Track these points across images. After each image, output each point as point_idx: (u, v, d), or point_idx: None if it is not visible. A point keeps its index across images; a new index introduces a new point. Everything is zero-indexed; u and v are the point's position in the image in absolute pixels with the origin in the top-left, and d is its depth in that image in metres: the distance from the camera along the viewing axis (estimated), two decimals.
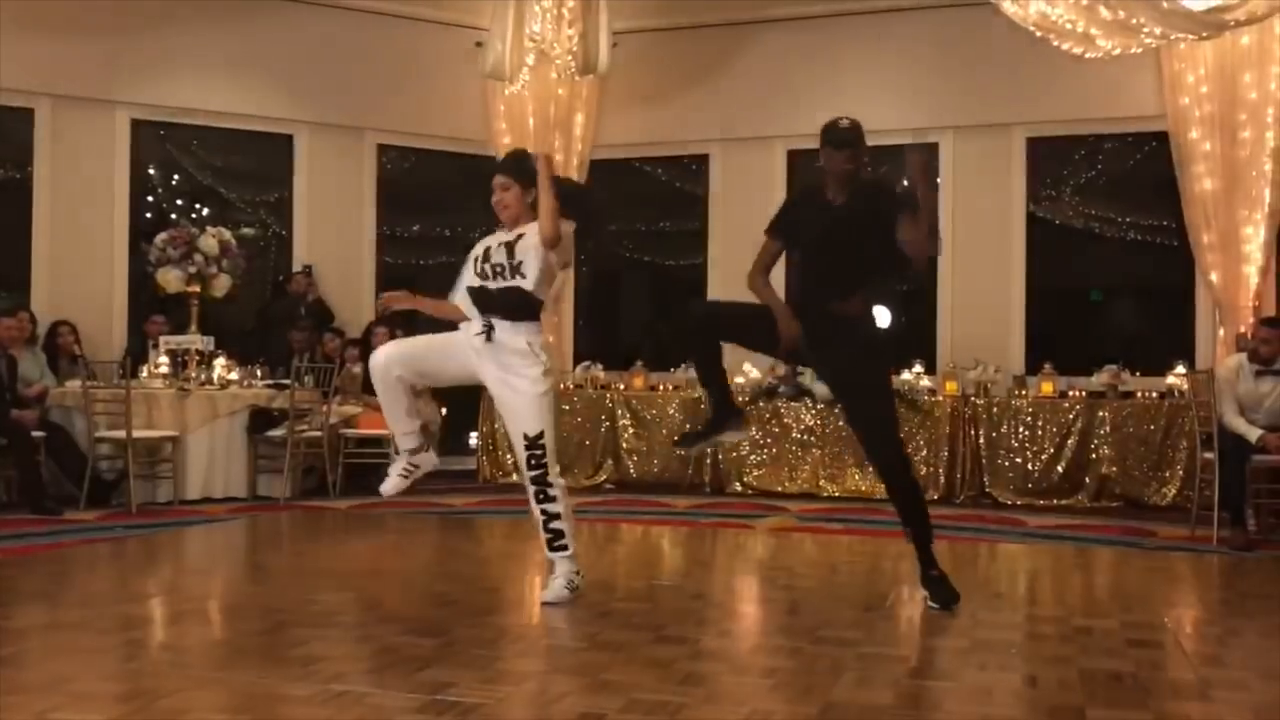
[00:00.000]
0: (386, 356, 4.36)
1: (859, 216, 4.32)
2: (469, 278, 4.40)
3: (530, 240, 4.30)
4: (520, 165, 4.48)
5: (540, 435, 4.28)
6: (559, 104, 9.76)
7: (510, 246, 4.33)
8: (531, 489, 4.33)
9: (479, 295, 4.36)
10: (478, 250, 4.42)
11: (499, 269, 4.31)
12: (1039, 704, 3.14)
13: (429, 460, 4.60)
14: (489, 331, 4.31)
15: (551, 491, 4.32)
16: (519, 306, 4.32)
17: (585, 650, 3.69)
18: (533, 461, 4.29)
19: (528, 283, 4.29)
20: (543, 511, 4.34)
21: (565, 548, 4.37)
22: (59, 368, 8.09)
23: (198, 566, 5.71)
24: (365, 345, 8.70)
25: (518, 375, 4.31)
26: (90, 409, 7.27)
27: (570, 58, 8.98)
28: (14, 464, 7.15)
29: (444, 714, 2.95)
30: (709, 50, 9.79)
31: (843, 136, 4.31)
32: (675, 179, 10.25)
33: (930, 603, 4.35)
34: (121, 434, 7.24)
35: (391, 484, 4.56)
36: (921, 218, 4.22)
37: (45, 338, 8.22)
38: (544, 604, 4.35)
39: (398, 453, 4.61)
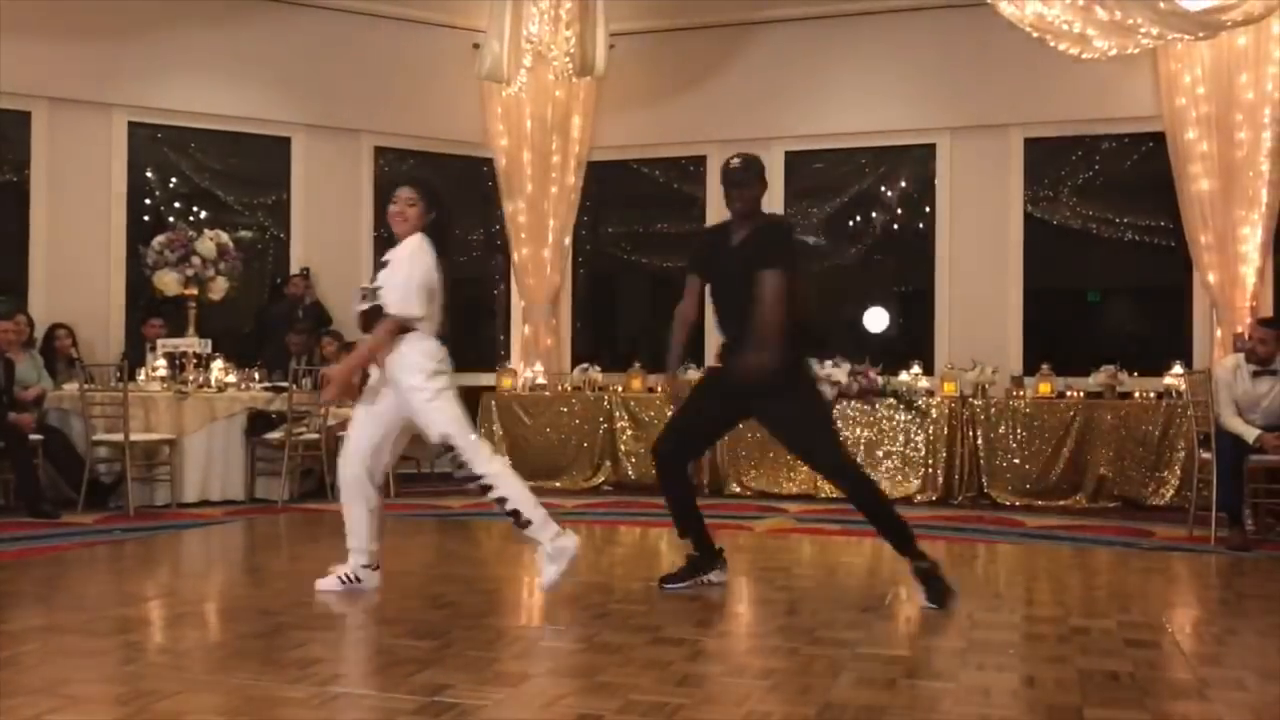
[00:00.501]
0: (352, 469, 4.56)
1: (751, 256, 4.45)
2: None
3: (391, 268, 4.46)
4: (430, 185, 4.66)
5: (447, 438, 4.42)
6: (556, 105, 9.77)
7: (377, 271, 4.56)
8: (473, 485, 4.48)
9: (360, 320, 4.57)
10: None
11: (366, 293, 4.50)
12: (1037, 704, 3.14)
13: (373, 580, 4.63)
14: None
15: (487, 480, 4.44)
16: None
17: (583, 652, 3.69)
18: (455, 462, 4.46)
19: (390, 306, 4.41)
20: (494, 500, 4.46)
21: (529, 523, 4.45)
22: (56, 371, 8.08)
23: (195, 569, 5.71)
24: None
25: (407, 388, 4.44)
26: (88, 412, 7.26)
27: (568, 59, 8.98)
28: (11, 467, 7.14)
29: (441, 716, 2.94)
30: (706, 52, 9.79)
31: (730, 177, 4.56)
32: (673, 180, 10.25)
33: (927, 602, 4.35)
34: (119, 437, 7.24)
35: (327, 582, 4.59)
36: (772, 309, 4.34)
37: (43, 340, 8.21)
38: (542, 588, 4.44)
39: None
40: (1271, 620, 4.38)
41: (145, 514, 7.20)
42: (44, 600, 4.52)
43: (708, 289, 4.71)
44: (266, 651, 3.66)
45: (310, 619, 4.13)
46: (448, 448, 4.42)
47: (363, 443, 4.57)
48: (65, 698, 3.08)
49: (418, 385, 4.41)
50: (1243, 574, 5.47)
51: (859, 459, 8.13)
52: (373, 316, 4.46)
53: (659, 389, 4.48)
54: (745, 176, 4.54)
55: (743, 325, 4.46)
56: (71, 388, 7.59)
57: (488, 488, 4.43)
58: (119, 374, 7.40)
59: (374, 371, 4.55)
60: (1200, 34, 7.63)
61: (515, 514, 4.43)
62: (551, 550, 4.43)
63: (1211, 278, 8.30)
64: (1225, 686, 3.35)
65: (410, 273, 4.40)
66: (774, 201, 9.67)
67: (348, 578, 4.57)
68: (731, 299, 4.54)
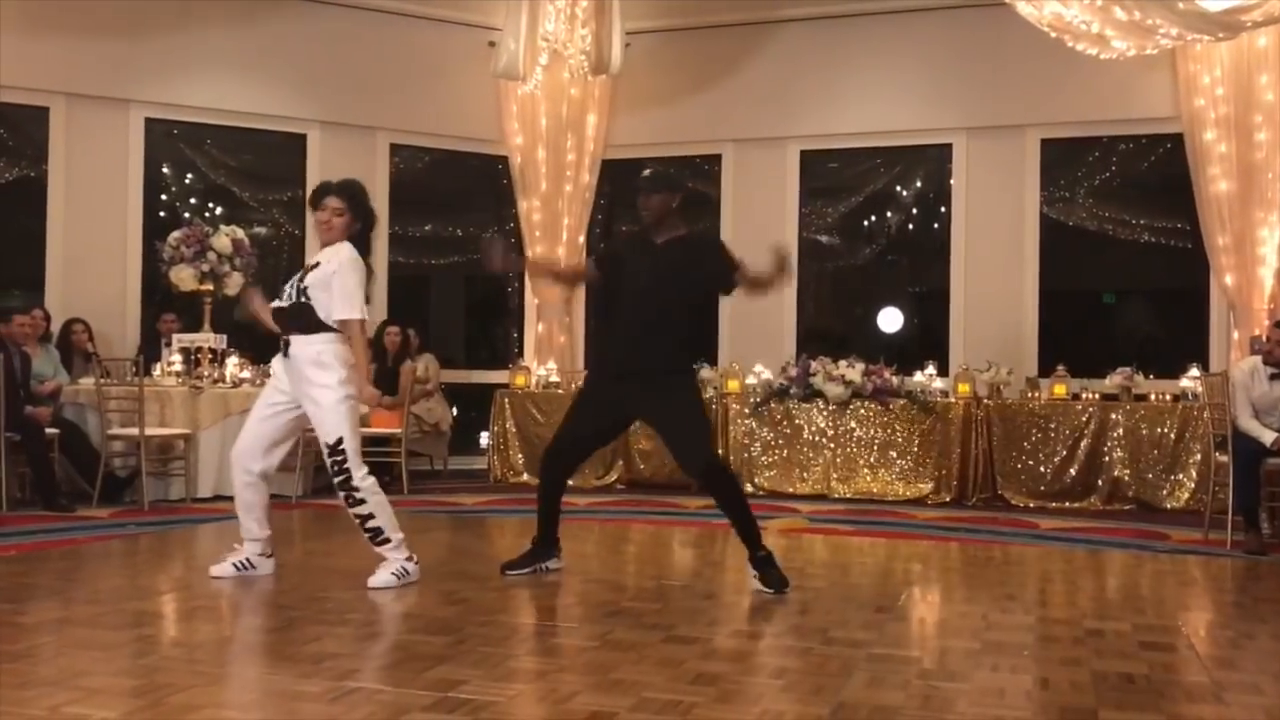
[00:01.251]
0: (235, 457, 4.72)
1: (675, 262, 4.75)
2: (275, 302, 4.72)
3: (324, 271, 4.57)
4: (358, 196, 4.73)
5: (340, 442, 4.50)
6: (571, 104, 9.77)
7: (306, 273, 4.65)
8: (340, 494, 4.56)
9: (276, 315, 4.68)
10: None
11: (292, 292, 4.60)
12: (1051, 705, 3.13)
13: (267, 567, 4.83)
14: (285, 347, 4.61)
15: (359, 494, 4.53)
16: (310, 320, 4.56)
17: (596, 649, 3.68)
18: (335, 468, 4.53)
19: (347, 312, 4.54)
20: (355, 515, 4.56)
21: (388, 541, 4.59)
22: (73, 365, 8.12)
23: (210, 564, 5.71)
24: (378, 344, 8.72)
25: (313, 385, 4.53)
26: (103, 406, 7.30)
27: (583, 58, 8.99)
28: (28, 461, 7.17)
29: (455, 711, 2.95)
30: (722, 50, 9.78)
31: (639, 184, 4.89)
32: (688, 179, 10.17)
33: (761, 586, 4.64)
34: (134, 431, 7.27)
35: (220, 568, 4.78)
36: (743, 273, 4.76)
37: (59, 335, 8.25)
38: (371, 589, 4.53)
39: (241, 544, 4.82)
40: None
41: (160, 508, 7.23)
42: (60, 594, 4.54)
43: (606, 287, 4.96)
44: (281, 646, 3.67)
45: (324, 614, 4.14)
46: (333, 453, 4.50)
47: (259, 442, 4.68)
48: (82, 690, 3.09)
49: (330, 384, 4.51)
50: (1259, 578, 5.44)
51: (872, 460, 8.15)
52: (294, 315, 4.58)
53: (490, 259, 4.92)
54: (651, 183, 4.86)
55: (646, 326, 4.70)
56: (87, 382, 7.62)
57: (360, 501, 4.53)
58: (134, 369, 7.43)
59: (275, 366, 4.74)
60: (1220, 35, 7.59)
61: (377, 530, 4.58)
62: (398, 570, 4.60)
63: (1229, 280, 8.26)
64: (1241, 690, 3.33)
65: (352, 280, 4.54)
66: (788, 201, 9.68)
67: (244, 565, 4.78)
68: (641, 299, 4.74)
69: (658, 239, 4.88)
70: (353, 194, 4.71)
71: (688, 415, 4.74)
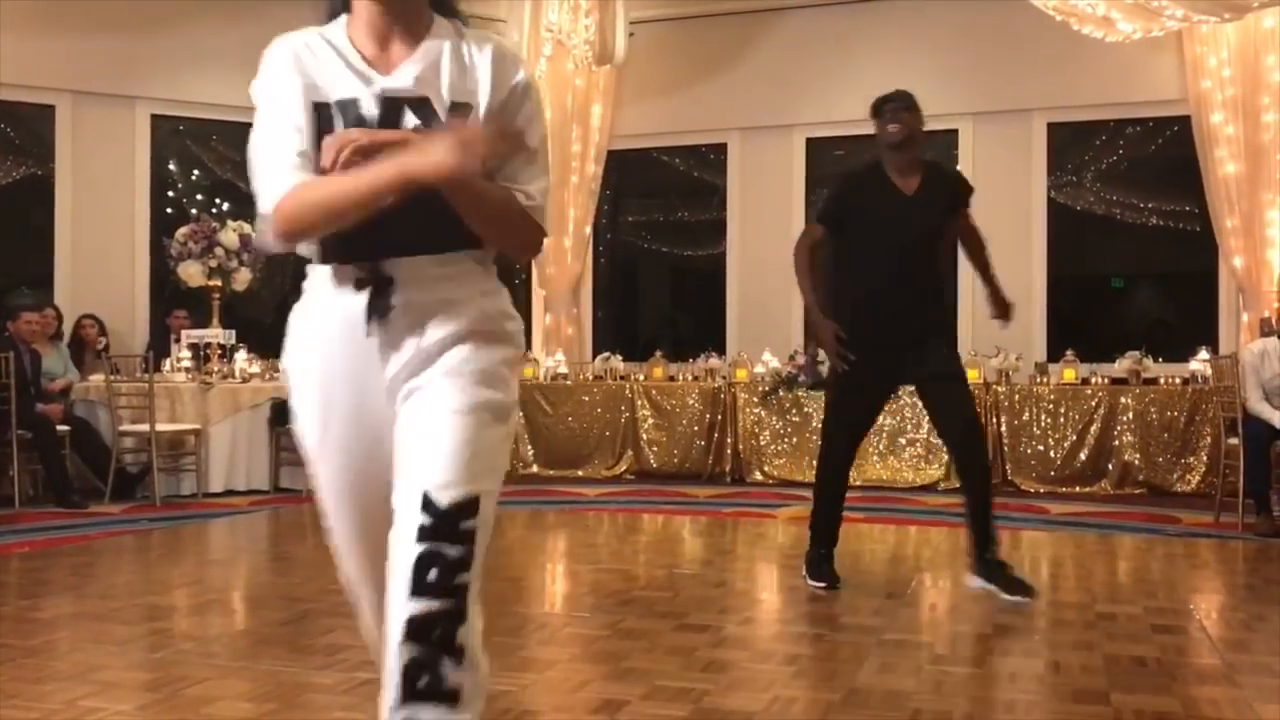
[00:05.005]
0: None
1: (931, 200, 4.41)
2: None
3: None
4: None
5: None
6: (576, 94, 9.76)
7: None
8: None
9: None
10: None
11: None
12: (1062, 689, 3.14)
13: None
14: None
15: None
16: None
17: (607, 638, 3.70)
18: None
19: None
20: None
21: None
22: (83, 362, 8.15)
23: (221, 558, 5.75)
24: None
25: None
26: (114, 403, 7.32)
27: (587, 48, 8.98)
28: (39, 458, 7.20)
29: None
30: (726, 39, 9.76)
31: (887, 102, 4.55)
32: (694, 168, 10.23)
33: (1005, 595, 4.19)
34: (145, 428, 7.29)
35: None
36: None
37: (70, 332, 8.28)
38: None
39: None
40: None
41: (171, 504, 7.26)
42: (74, 589, 4.57)
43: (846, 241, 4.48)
44: (294, 638, 3.68)
45: (337, 606, 4.14)
46: None
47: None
48: (97, 684, 3.11)
49: None
50: (1270, 560, 5.43)
51: (881, 447, 8.15)
52: None
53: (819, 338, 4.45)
54: (909, 102, 4.51)
55: (910, 279, 4.38)
56: (98, 379, 7.65)
57: None
58: (144, 365, 7.45)
59: None
60: (1226, 16, 7.56)
61: None
62: None
63: (1238, 262, 8.23)
64: (1253, 672, 3.33)
65: None
66: (794, 189, 9.67)
67: None
68: (900, 249, 4.36)
69: (900, 173, 4.44)
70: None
71: (963, 376, 4.46)
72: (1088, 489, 7.74)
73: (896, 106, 4.47)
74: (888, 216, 4.39)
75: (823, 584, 4.41)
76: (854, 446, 4.62)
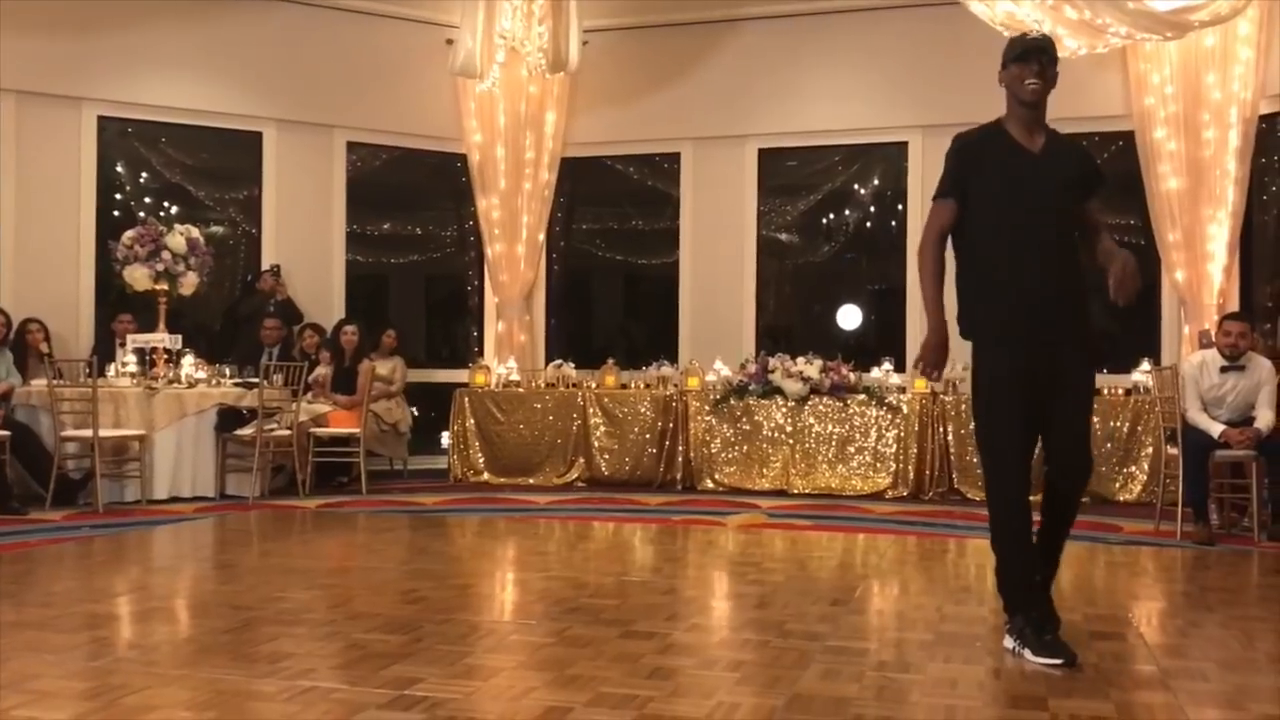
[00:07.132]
0: None
1: (1063, 165, 3.75)
2: None
3: None
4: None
5: None
6: (530, 101, 9.76)
7: None
8: None
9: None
10: None
11: None
12: (1002, 695, 3.18)
13: None
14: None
15: None
16: None
17: (553, 645, 3.69)
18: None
19: None
20: None
21: None
22: (26, 366, 8.00)
23: (165, 566, 5.67)
24: (335, 345, 8.67)
25: None
26: (56, 408, 7.20)
27: (541, 55, 8.98)
28: None
29: (411, 709, 2.95)
30: (680, 48, 9.81)
31: (1030, 46, 3.82)
32: (647, 177, 10.26)
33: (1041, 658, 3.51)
34: (88, 433, 7.18)
35: None
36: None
37: (14, 336, 8.12)
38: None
39: None
40: (1233, 612, 4.43)
41: (115, 511, 7.16)
42: (12, 596, 4.48)
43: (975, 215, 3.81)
44: (236, 646, 3.65)
45: (281, 614, 4.12)
46: None
47: None
48: (33, 693, 3.06)
49: None
50: (1207, 568, 5.54)
51: (831, 456, 8.21)
52: None
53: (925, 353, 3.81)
54: (1054, 53, 3.76)
55: (1051, 261, 3.71)
56: (40, 384, 7.52)
57: None
58: (88, 370, 7.34)
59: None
60: (1169, 34, 7.71)
61: None
62: None
63: (1179, 275, 8.38)
64: (1187, 677, 3.39)
65: None
66: (747, 199, 9.73)
67: None
68: (1035, 224, 3.69)
69: (1028, 131, 3.83)
70: None
71: (1091, 391, 3.82)
72: (1033, 498, 7.81)
73: (1047, 59, 3.78)
74: (1015, 177, 3.76)
75: (1057, 661, 3.44)
76: (1026, 466, 3.75)
